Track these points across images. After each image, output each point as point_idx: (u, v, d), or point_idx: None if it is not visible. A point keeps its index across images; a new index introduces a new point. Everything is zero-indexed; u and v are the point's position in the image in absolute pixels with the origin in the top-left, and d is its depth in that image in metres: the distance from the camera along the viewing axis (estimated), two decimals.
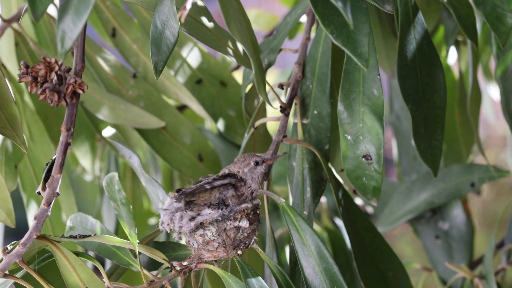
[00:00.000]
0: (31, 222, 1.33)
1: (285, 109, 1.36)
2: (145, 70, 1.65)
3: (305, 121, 1.38)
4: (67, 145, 1.17)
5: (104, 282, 1.19)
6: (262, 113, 1.43)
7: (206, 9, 1.27)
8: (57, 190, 1.17)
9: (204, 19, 1.26)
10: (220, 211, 1.21)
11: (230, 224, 1.21)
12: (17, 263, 1.19)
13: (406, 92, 1.30)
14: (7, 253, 1.18)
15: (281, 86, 1.39)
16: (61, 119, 1.23)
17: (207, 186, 1.21)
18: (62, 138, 1.17)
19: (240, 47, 1.28)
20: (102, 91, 1.62)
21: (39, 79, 1.14)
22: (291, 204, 1.29)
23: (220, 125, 1.66)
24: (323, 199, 2.01)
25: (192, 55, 1.64)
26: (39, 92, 1.15)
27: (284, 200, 1.23)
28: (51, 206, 1.17)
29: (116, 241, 1.17)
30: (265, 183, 1.32)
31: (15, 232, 1.69)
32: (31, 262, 1.20)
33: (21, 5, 1.67)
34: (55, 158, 1.18)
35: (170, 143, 1.65)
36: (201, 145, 1.66)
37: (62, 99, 1.15)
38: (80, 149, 1.88)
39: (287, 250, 1.91)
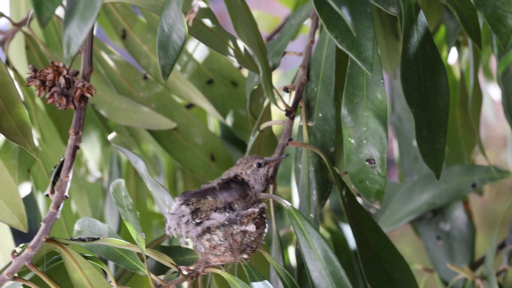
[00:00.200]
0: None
1: (290, 112, 1.36)
2: (156, 71, 1.65)
3: (310, 124, 1.38)
4: (75, 148, 1.18)
5: (111, 285, 1.20)
6: (267, 115, 1.43)
7: (210, 11, 1.26)
8: (66, 193, 1.18)
9: (208, 22, 1.26)
10: (227, 215, 1.20)
11: (237, 228, 1.20)
12: (26, 266, 1.19)
13: (410, 95, 1.29)
14: (16, 256, 1.19)
15: (286, 89, 1.40)
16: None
17: (210, 198, 1.21)
18: (70, 142, 1.17)
19: (242, 48, 1.27)
20: (113, 93, 1.62)
21: (47, 83, 1.15)
22: (297, 207, 1.30)
23: (232, 124, 1.66)
24: None
25: (202, 55, 1.64)
26: (47, 96, 1.15)
27: (290, 204, 1.23)
28: (60, 209, 1.17)
29: (125, 244, 1.18)
30: (271, 186, 1.32)
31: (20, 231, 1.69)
32: (39, 265, 1.21)
33: (30, 8, 1.66)
34: (63, 161, 1.19)
35: (182, 144, 1.65)
36: (213, 145, 1.66)
37: (71, 102, 1.16)
38: (91, 150, 1.88)
39: (290, 250, 1.92)
